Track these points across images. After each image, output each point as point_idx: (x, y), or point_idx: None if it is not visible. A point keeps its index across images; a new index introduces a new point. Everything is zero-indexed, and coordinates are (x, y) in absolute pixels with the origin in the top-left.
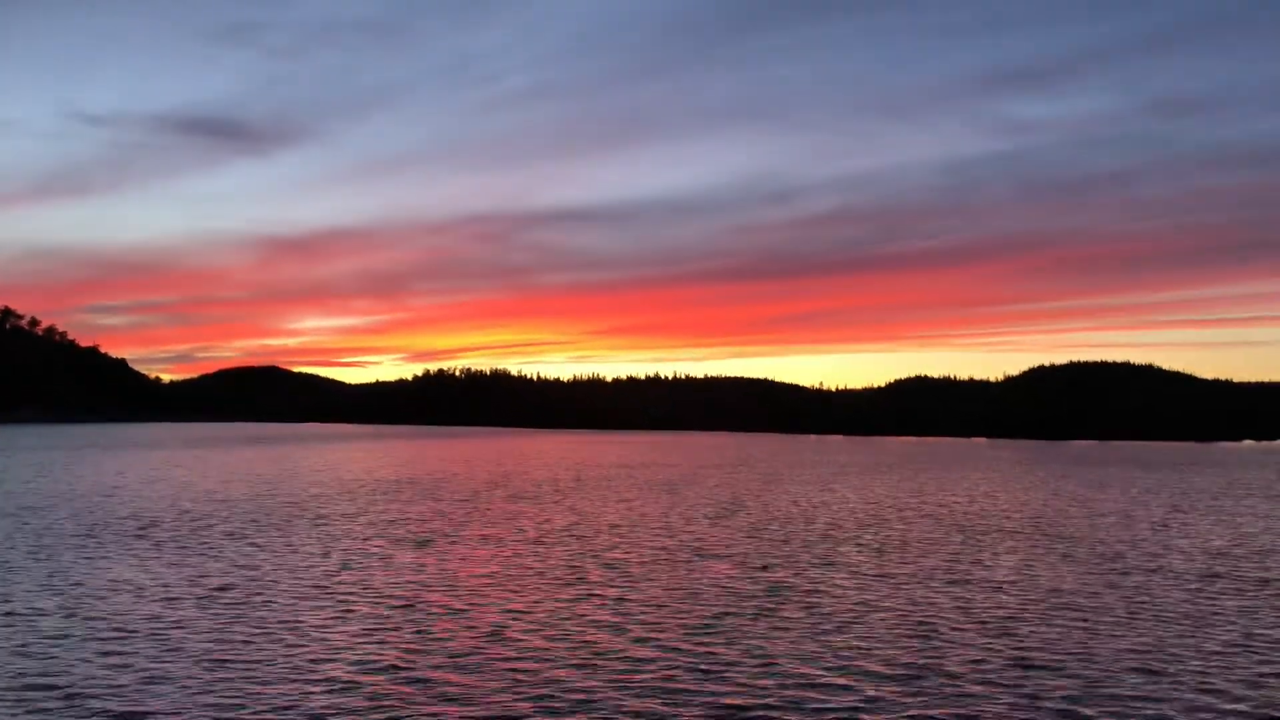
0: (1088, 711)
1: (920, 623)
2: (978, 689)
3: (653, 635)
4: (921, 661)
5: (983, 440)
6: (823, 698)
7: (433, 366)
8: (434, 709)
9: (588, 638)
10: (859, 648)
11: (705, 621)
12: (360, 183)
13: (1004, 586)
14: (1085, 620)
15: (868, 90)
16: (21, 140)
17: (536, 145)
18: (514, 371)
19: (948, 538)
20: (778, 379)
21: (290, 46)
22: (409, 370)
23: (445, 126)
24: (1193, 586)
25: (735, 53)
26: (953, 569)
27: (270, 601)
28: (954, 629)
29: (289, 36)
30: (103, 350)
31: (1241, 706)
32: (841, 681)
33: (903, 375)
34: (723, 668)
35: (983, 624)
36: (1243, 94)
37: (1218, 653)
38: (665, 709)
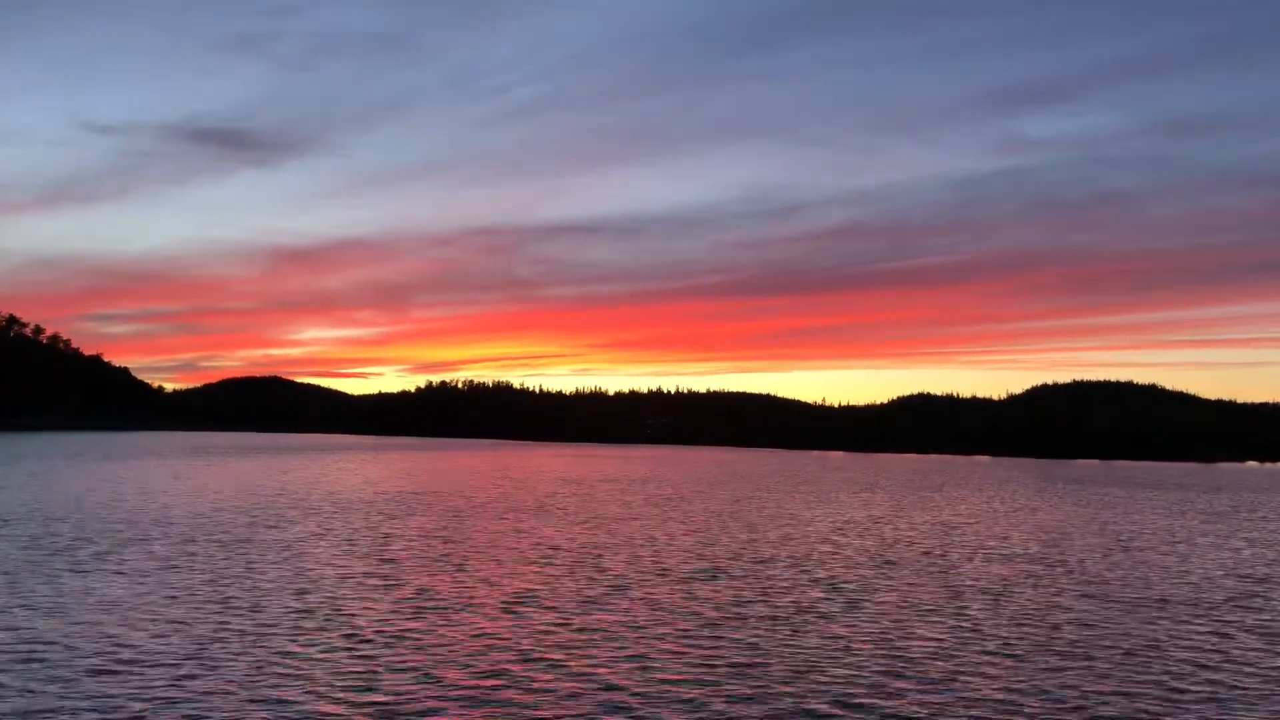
0: None
1: (929, 654)
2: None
3: (647, 661)
4: (933, 697)
5: (985, 458)
6: None
7: (435, 378)
8: None
9: (574, 663)
10: (862, 678)
11: (699, 646)
12: (367, 194)
13: (1013, 617)
14: (1096, 654)
15: (875, 106)
16: (30, 149)
17: (543, 158)
18: (516, 384)
19: (959, 562)
20: (780, 394)
21: (299, 57)
22: (411, 382)
23: (452, 139)
24: (1207, 619)
25: (742, 67)
26: (959, 595)
27: (258, 623)
28: (963, 661)
29: (298, 47)
30: (106, 359)
31: None
32: (845, 715)
33: (906, 392)
34: (712, 693)
35: (989, 655)
36: (1251, 116)
37: (1237, 689)
38: None
